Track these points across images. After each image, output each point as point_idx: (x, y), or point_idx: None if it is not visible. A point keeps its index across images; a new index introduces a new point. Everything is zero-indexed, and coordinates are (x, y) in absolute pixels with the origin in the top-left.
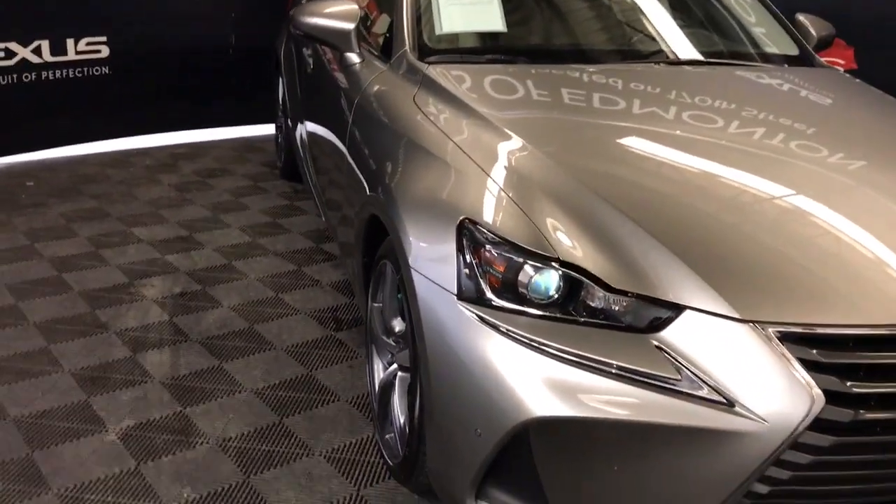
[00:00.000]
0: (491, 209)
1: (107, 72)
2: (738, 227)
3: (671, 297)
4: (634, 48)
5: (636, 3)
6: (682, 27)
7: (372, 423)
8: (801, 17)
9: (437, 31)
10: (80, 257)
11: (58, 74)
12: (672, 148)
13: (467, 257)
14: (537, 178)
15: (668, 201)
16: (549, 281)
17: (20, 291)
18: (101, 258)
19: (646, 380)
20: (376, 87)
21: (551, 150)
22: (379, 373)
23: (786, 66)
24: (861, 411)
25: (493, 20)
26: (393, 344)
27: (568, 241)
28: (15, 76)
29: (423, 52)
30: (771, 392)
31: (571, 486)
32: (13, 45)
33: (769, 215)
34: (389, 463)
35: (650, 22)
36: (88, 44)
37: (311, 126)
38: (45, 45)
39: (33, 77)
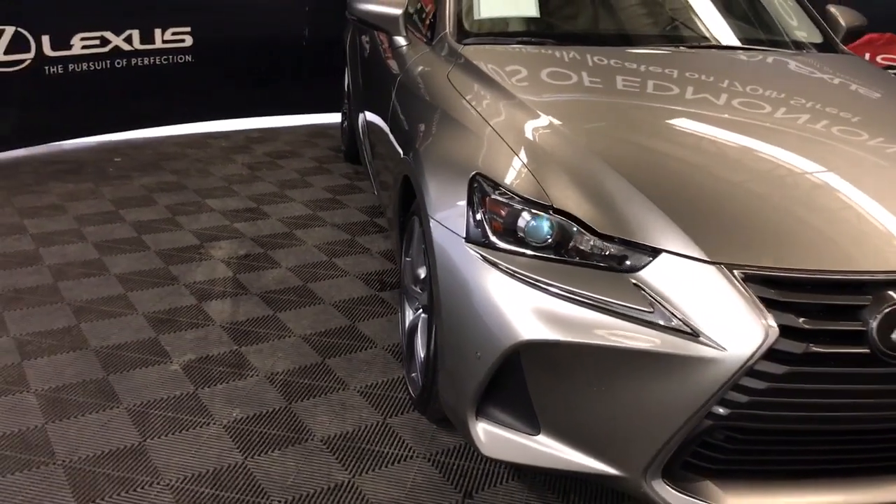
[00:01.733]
0: (500, 166)
1: (190, 60)
2: (715, 182)
3: (650, 242)
4: (658, 33)
5: None
6: (707, 14)
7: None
8: (831, 9)
9: (476, 17)
10: (157, 222)
11: (146, 61)
12: (675, 117)
13: (476, 206)
14: (545, 142)
15: (658, 160)
16: (543, 226)
17: (104, 248)
18: (176, 223)
19: (622, 311)
20: (417, 66)
21: (561, 117)
22: (408, 318)
23: (807, 51)
24: (811, 345)
25: (528, 6)
26: (419, 291)
27: (563, 193)
28: (108, 62)
29: (462, 34)
30: (732, 325)
31: (557, 404)
32: (108, 34)
33: (746, 172)
34: (413, 396)
35: (676, 8)
36: (174, 33)
37: (367, 110)
38: (135, 34)
39: (124, 63)
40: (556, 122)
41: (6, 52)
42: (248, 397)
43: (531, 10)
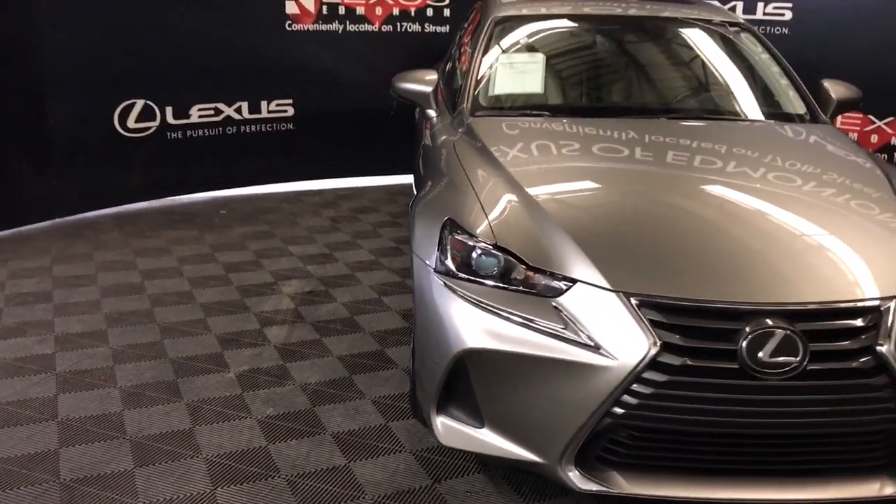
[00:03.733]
0: (467, 215)
1: (291, 127)
2: (630, 227)
3: (569, 273)
4: (640, 105)
5: (650, 70)
6: (688, 88)
7: None
8: (824, 83)
9: (490, 94)
10: (244, 263)
11: (253, 128)
12: (623, 175)
13: (443, 244)
14: (506, 194)
15: (591, 210)
16: (489, 260)
17: (196, 282)
18: (259, 265)
19: (544, 328)
20: (438, 135)
21: (525, 175)
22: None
23: (787, 121)
24: (687, 359)
25: (533, 84)
26: None
27: (508, 235)
28: (220, 129)
29: (475, 108)
30: (625, 340)
31: (495, 402)
32: (221, 105)
33: (659, 219)
34: (410, 404)
35: (656, 84)
36: (278, 105)
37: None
38: (244, 105)
39: (234, 130)
40: (520, 180)
41: (137, 121)
42: (282, 400)
43: (536, 87)
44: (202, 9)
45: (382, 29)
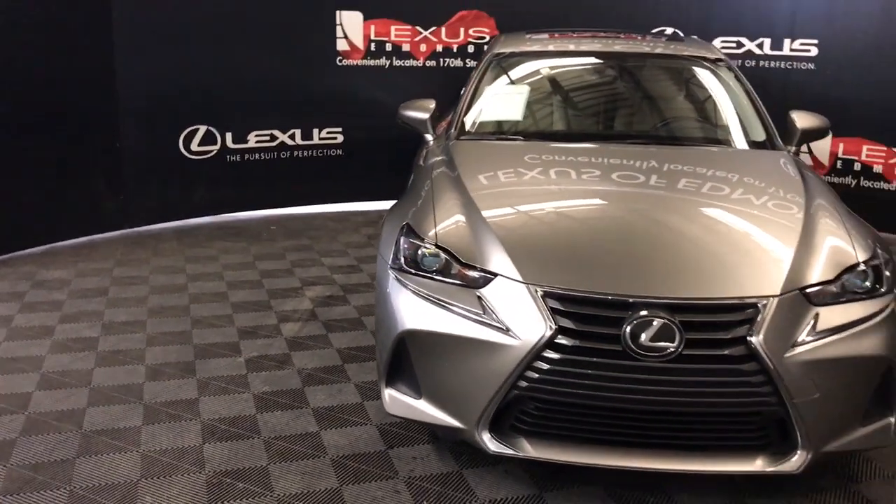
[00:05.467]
0: (421, 220)
1: (340, 153)
2: (550, 232)
3: (492, 269)
4: (608, 133)
5: (623, 102)
6: (648, 115)
7: None
8: (791, 114)
9: (477, 120)
10: (279, 271)
11: (305, 153)
12: (564, 190)
13: (398, 244)
14: (458, 206)
15: (523, 218)
16: (432, 259)
17: (233, 285)
18: (291, 273)
19: (468, 314)
20: (427, 155)
21: (478, 189)
22: None
23: (742, 147)
24: (578, 341)
25: (515, 112)
26: None
27: (449, 237)
28: (275, 153)
29: (461, 133)
30: (529, 324)
31: (430, 376)
32: (276, 132)
33: (576, 225)
34: None
35: (628, 113)
36: (328, 132)
37: None
38: (297, 132)
39: (288, 154)
40: (472, 194)
41: (200, 144)
42: (278, 380)
43: (517, 115)
44: (260, 45)
45: (426, 64)
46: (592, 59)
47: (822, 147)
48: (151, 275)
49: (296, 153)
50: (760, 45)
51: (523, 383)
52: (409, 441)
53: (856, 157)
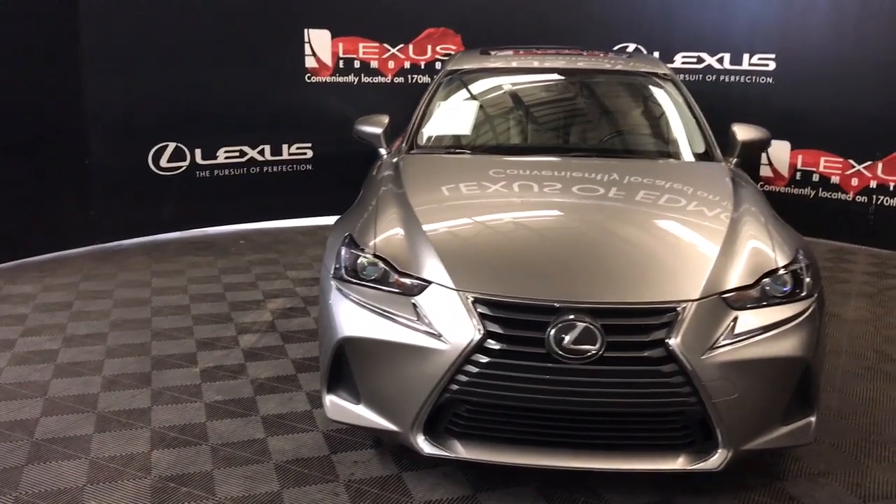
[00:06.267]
0: (363, 231)
1: (310, 168)
2: (484, 242)
3: (427, 277)
4: (553, 146)
5: (570, 116)
6: (591, 128)
7: None
8: (733, 126)
9: (428, 134)
10: (243, 284)
11: (275, 169)
12: (502, 202)
13: (340, 253)
14: (398, 217)
15: (460, 230)
16: (369, 267)
17: (195, 298)
18: (255, 286)
19: (403, 321)
20: (379, 168)
21: (420, 200)
22: None
23: (685, 159)
24: (505, 345)
25: (463, 127)
26: None
27: (388, 247)
28: (245, 169)
29: (412, 146)
30: (460, 329)
31: (368, 380)
32: (245, 148)
33: (510, 235)
34: None
35: (574, 127)
36: (298, 148)
37: None
38: (267, 148)
39: (257, 170)
40: (413, 205)
41: (169, 160)
42: (231, 390)
43: (467, 129)
44: (230, 62)
45: (395, 80)
46: (543, 76)
47: (782, 159)
48: (117, 289)
49: (265, 168)
50: (721, 60)
51: (454, 386)
52: (353, 446)
53: (814, 169)
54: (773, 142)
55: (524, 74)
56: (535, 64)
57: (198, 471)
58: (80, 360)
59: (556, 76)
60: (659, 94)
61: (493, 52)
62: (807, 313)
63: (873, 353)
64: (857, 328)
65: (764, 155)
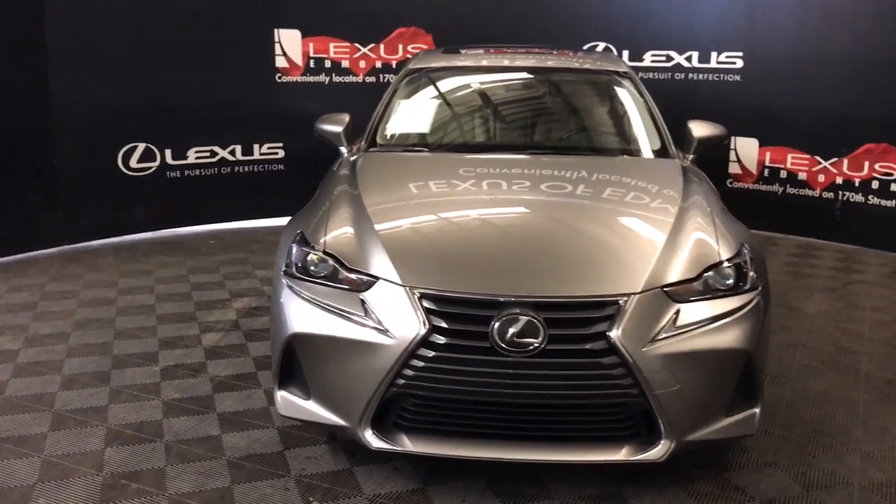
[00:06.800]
0: (314, 228)
1: (282, 168)
2: (433, 239)
3: (375, 273)
4: (511, 143)
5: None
6: (549, 127)
7: None
8: (689, 123)
9: (387, 133)
10: (210, 284)
11: (246, 169)
12: (454, 200)
13: (291, 250)
14: (350, 214)
15: (408, 225)
16: (321, 265)
17: (162, 298)
18: (223, 285)
19: (351, 316)
20: (338, 167)
21: (372, 197)
22: None
23: (639, 155)
24: (450, 339)
25: (422, 125)
26: None
27: (338, 244)
28: (216, 169)
29: (371, 145)
30: (406, 324)
31: (317, 375)
32: (216, 148)
33: (461, 232)
34: None
35: (532, 124)
36: (269, 147)
37: None
38: (238, 148)
39: (229, 170)
40: (366, 202)
41: (139, 161)
42: (190, 388)
43: (425, 128)
44: (199, 62)
45: (366, 80)
46: (501, 75)
47: (750, 156)
48: (83, 289)
49: (237, 168)
50: (689, 59)
51: (401, 381)
52: (307, 442)
53: (782, 166)
54: (742, 139)
55: (484, 73)
56: (495, 63)
57: (150, 467)
58: (41, 360)
59: (514, 75)
60: (617, 91)
61: (457, 51)
62: (749, 306)
63: (830, 347)
64: (816, 322)
65: (732, 152)
